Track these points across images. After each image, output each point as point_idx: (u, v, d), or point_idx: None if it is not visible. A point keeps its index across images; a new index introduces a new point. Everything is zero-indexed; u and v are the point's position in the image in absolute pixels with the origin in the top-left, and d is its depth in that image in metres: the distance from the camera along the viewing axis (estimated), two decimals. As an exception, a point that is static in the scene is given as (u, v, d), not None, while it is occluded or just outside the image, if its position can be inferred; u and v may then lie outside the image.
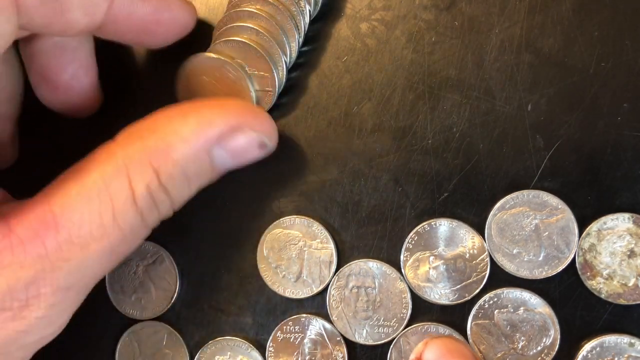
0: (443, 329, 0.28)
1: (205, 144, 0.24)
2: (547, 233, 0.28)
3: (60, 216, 0.22)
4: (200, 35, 0.29)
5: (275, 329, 0.29)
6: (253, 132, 0.25)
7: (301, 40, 0.28)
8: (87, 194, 0.22)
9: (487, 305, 0.28)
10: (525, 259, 0.28)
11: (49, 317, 0.23)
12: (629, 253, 0.27)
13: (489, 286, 0.28)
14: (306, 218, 0.29)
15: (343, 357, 0.29)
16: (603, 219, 0.27)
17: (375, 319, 0.29)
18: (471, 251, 0.28)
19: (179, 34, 0.28)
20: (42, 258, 0.22)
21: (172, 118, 0.24)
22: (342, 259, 0.29)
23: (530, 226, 0.28)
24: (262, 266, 0.29)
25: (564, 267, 0.28)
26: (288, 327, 0.29)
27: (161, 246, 0.30)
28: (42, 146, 0.31)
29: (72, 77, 0.28)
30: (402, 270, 0.29)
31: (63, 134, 0.31)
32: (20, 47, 0.28)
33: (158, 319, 0.30)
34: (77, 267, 0.22)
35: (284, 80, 0.29)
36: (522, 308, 0.28)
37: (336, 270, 0.29)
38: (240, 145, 0.25)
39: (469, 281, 0.28)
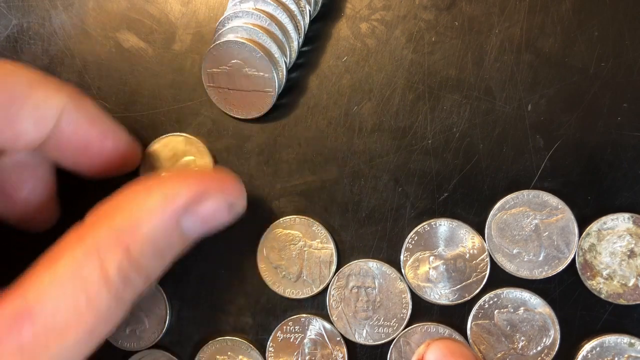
0: (443, 329, 0.28)
1: (173, 215, 0.24)
2: (547, 233, 0.28)
3: (34, 306, 0.22)
4: (201, 35, 0.29)
5: (275, 329, 0.29)
6: (220, 196, 0.25)
7: (301, 40, 0.28)
8: (60, 281, 0.22)
9: (487, 305, 0.28)
10: (525, 259, 0.28)
11: None
12: (629, 253, 0.27)
13: (489, 286, 0.28)
14: (306, 218, 0.29)
15: (343, 357, 0.29)
16: (603, 219, 0.27)
17: (375, 319, 0.29)
18: (471, 251, 0.28)
19: (119, 167, 0.28)
20: (20, 350, 0.22)
21: (138, 194, 0.24)
22: (342, 259, 0.29)
23: (530, 226, 0.28)
24: (262, 266, 0.29)
25: (564, 267, 0.28)
26: (288, 327, 0.29)
27: None
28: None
29: (31, 193, 0.28)
30: (402, 270, 0.29)
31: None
32: None
33: (156, 346, 0.30)
34: (56, 354, 0.22)
35: (284, 80, 0.29)
36: (522, 308, 0.28)
37: (336, 270, 0.29)
38: (208, 210, 0.25)
39: (469, 281, 0.28)
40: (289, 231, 0.29)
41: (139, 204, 0.24)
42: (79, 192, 0.29)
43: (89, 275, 0.22)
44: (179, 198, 0.24)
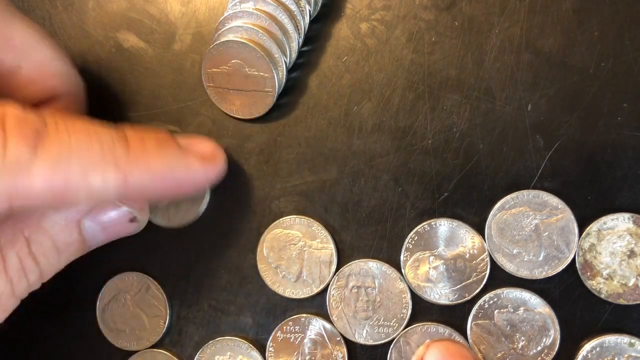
0: (443, 329, 0.28)
1: (76, 215, 0.25)
2: (547, 233, 0.28)
3: None
4: (201, 35, 0.29)
5: (275, 329, 0.29)
6: (124, 206, 0.26)
7: (301, 40, 0.28)
8: None
9: (487, 305, 0.28)
10: (525, 259, 0.28)
11: None
12: (629, 253, 0.27)
13: (489, 286, 0.28)
14: (306, 218, 0.29)
15: (343, 357, 0.29)
16: (603, 219, 0.27)
17: (375, 319, 0.29)
18: (471, 251, 0.28)
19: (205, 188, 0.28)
20: None
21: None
22: (342, 259, 0.29)
23: (530, 226, 0.28)
24: (262, 266, 0.29)
25: (564, 267, 0.28)
26: (288, 327, 0.29)
27: (147, 270, 0.30)
28: None
29: None
30: (402, 270, 0.29)
31: None
32: None
33: (156, 346, 0.30)
34: None
35: (284, 80, 0.29)
36: (522, 308, 0.28)
37: (336, 270, 0.29)
38: (110, 218, 0.26)
39: (469, 281, 0.28)
40: (289, 231, 0.29)
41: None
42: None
43: None
44: None
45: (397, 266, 0.29)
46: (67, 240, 0.25)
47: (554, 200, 0.28)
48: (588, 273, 0.28)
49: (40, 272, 0.24)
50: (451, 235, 0.28)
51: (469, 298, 0.28)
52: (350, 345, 0.29)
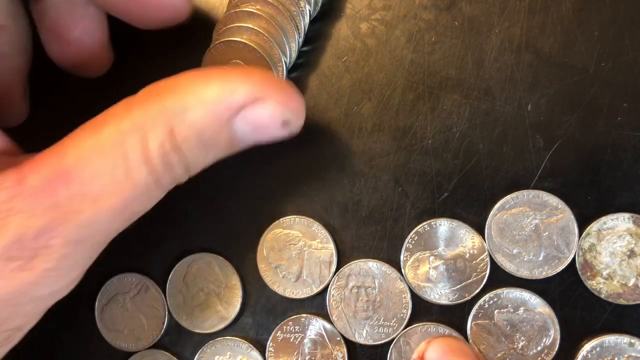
0: (443, 329, 0.28)
1: (226, 111, 0.23)
2: (547, 233, 0.28)
3: (73, 168, 0.21)
4: (201, 35, 0.29)
5: (275, 329, 0.29)
6: (277, 106, 0.24)
7: (301, 40, 0.28)
8: (102, 148, 0.22)
9: (487, 305, 0.28)
10: (525, 259, 0.28)
11: (58, 270, 0.22)
12: (629, 253, 0.27)
13: (489, 286, 0.28)
14: (306, 218, 0.29)
15: (343, 357, 0.29)
16: (603, 219, 0.27)
17: (375, 319, 0.29)
18: (471, 251, 0.28)
19: (169, 17, 0.27)
20: (53, 208, 0.21)
21: (195, 80, 0.23)
22: (342, 259, 0.29)
23: (530, 226, 0.28)
24: (262, 266, 0.29)
25: (564, 267, 0.28)
26: (288, 327, 0.29)
27: (146, 271, 0.30)
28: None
29: (84, 33, 0.27)
30: (402, 270, 0.29)
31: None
32: (31, 3, 0.27)
33: (156, 346, 0.30)
34: (88, 221, 0.22)
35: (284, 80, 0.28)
36: (522, 308, 0.28)
37: (336, 270, 0.29)
38: (262, 118, 0.24)
39: (469, 281, 0.28)
40: (289, 231, 0.29)
41: (194, 91, 0.23)
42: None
43: (131, 148, 0.22)
44: (235, 95, 0.23)
45: (397, 266, 0.29)
46: (214, 138, 0.23)
47: (554, 200, 0.28)
48: (588, 273, 0.28)
49: (186, 165, 0.23)
50: (451, 235, 0.28)
51: (469, 298, 0.28)
52: (350, 345, 0.29)
